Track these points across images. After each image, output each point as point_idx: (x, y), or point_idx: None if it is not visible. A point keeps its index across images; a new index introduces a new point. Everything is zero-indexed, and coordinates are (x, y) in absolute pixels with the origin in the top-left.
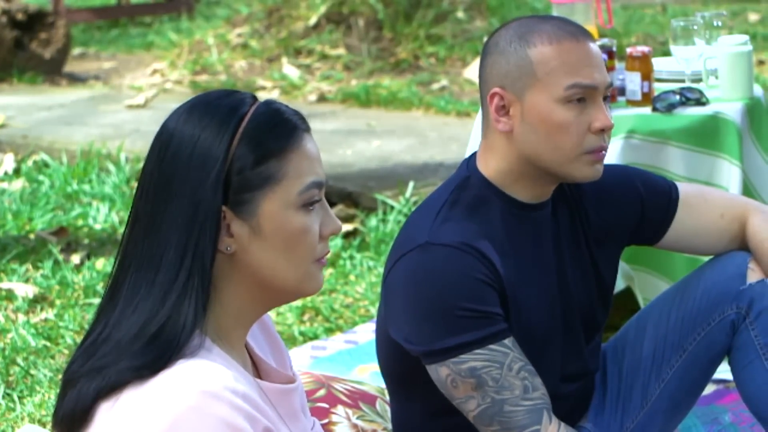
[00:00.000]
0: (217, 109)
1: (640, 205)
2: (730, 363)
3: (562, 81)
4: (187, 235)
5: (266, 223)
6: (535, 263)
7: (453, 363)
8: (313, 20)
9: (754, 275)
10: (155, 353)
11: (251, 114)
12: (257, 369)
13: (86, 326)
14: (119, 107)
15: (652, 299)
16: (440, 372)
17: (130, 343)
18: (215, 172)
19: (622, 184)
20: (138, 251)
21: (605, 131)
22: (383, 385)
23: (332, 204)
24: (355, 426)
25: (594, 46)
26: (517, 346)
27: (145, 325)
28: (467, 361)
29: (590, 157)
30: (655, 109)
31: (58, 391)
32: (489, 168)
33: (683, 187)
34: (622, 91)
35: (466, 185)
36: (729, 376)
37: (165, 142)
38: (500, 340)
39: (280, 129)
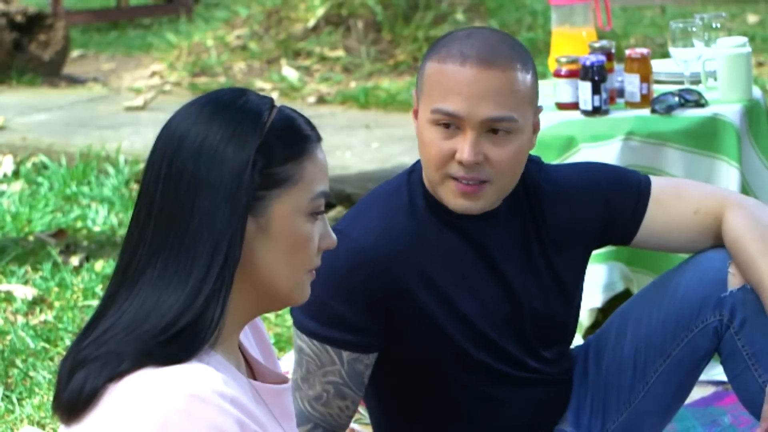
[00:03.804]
0: (241, 109)
1: (603, 204)
2: (724, 370)
3: (431, 102)
4: (220, 234)
5: (275, 223)
6: (460, 269)
7: (297, 334)
8: (311, 22)
9: (735, 280)
10: (179, 346)
11: (273, 117)
12: (251, 369)
13: None
14: (118, 109)
15: (634, 294)
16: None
17: (156, 336)
18: (247, 172)
19: (585, 181)
20: (165, 242)
21: (463, 165)
22: None
23: (331, 206)
24: (351, 430)
25: (486, 76)
26: (357, 366)
27: (177, 319)
28: (304, 341)
29: (452, 184)
30: (653, 111)
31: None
32: (424, 169)
33: (657, 183)
34: (620, 92)
35: (404, 181)
36: None
37: (190, 138)
38: (341, 349)
39: (299, 135)
